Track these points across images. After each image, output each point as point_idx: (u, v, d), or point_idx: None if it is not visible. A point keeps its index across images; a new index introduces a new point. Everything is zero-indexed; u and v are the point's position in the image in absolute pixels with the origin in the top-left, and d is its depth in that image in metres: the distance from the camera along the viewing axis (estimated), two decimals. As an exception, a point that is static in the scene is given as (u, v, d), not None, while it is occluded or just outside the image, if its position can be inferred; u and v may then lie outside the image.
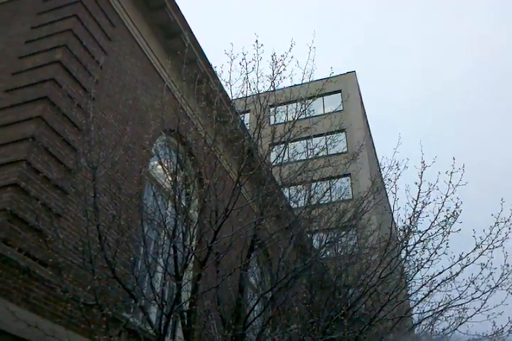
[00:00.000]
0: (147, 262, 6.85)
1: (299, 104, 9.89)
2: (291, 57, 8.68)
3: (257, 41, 8.50)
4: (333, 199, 12.69)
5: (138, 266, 7.52)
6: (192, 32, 11.26)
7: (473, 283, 8.28)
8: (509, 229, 8.34)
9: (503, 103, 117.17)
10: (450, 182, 8.45)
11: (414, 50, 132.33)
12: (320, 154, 11.08)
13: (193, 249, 7.18)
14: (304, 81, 9.53)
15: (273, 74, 8.65)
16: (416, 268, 8.80)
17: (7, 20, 8.99)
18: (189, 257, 7.06)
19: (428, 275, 8.60)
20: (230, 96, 8.94)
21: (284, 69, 8.63)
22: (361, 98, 35.27)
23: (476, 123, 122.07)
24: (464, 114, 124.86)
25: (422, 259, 8.60)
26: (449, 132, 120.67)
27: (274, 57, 8.66)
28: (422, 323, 9.65)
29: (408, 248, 8.84)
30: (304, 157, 11.33)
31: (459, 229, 8.44)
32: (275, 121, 9.97)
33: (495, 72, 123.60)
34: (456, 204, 8.35)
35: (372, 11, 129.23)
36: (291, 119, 9.68)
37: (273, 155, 9.85)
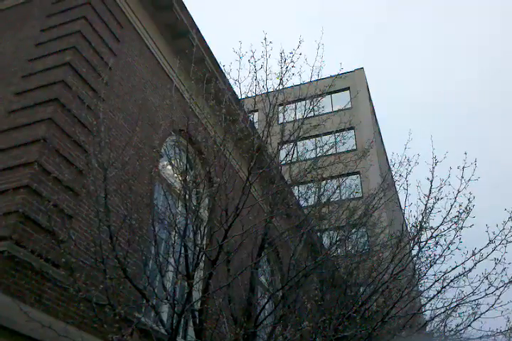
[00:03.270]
0: (158, 262, 6.89)
1: (307, 101, 9.88)
2: (300, 54, 8.67)
3: (265, 39, 8.52)
4: (343, 197, 12.66)
5: (149, 266, 7.55)
6: (199, 31, 11.28)
7: (487, 278, 8.21)
8: (522, 223, 8.27)
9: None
10: (462, 177, 8.40)
11: (425, 50, 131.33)
12: (329, 152, 11.04)
13: (204, 248, 7.20)
14: (312, 78, 9.52)
15: (281, 72, 8.66)
16: (428, 265, 8.75)
17: (17, 23, 9.07)
18: (200, 256, 7.09)
19: (441, 272, 8.54)
20: (239, 95, 8.96)
21: (292, 67, 8.63)
22: (370, 95, 35.11)
23: (487, 122, 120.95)
24: (475, 113, 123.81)
25: (434, 255, 8.56)
26: (460, 130, 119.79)
27: (282, 54, 8.66)
28: (435, 320, 9.57)
29: (420, 244, 8.81)
30: (313, 155, 11.30)
31: (472, 225, 8.38)
32: (284, 119, 9.96)
33: (507, 71, 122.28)
34: (469, 199, 8.30)
35: (383, 10, 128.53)
36: (300, 117, 9.68)
37: (282, 154, 9.84)
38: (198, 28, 11.20)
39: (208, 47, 11.61)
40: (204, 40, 11.51)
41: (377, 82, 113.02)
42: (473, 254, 8.21)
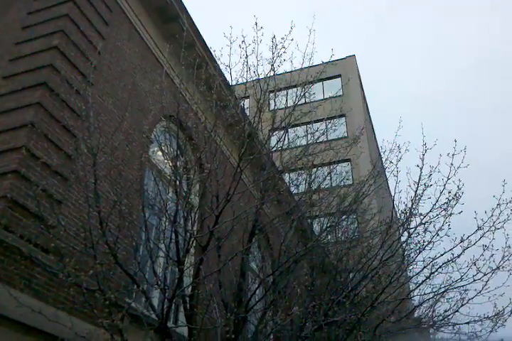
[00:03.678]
0: (149, 247, 6.88)
1: (299, 88, 9.83)
2: (291, 40, 8.61)
3: (256, 23, 8.41)
4: (334, 184, 12.69)
5: (140, 252, 7.55)
6: (190, 15, 11.14)
7: (475, 264, 8.31)
8: (511, 210, 8.35)
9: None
10: (452, 164, 8.46)
11: (418, 40, 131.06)
12: (320, 139, 11.03)
13: (195, 233, 7.20)
14: (304, 65, 9.47)
15: (273, 58, 8.59)
16: (417, 251, 8.83)
17: (3, 6, 8.90)
18: (191, 242, 7.09)
19: (429, 258, 8.63)
20: (230, 81, 8.88)
21: (284, 52, 8.57)
22: (361, 82, 35.06)
23: (478, 110, 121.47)
24: (466, 102, 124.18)
25: (423, 242, 8.63)
26: (450, 119, 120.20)
27: (274, 39, 8.59)
28: (423, 305, 9.70)
29: (409, 230, 8.87)
30: (304, 142, 11.29)
31: (461, 211, 8.46)
32: (275, 105, 9.92)
33: (500, 62, 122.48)
34: (458, 187, 8.36)
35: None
36: (291, 104, 9.64)
37: (273, 140, 9.81)
38: (188, 13, 11.06)
39: (199, 32, 11.48)
40: (194, 24, 11.37)
41: (369, 70, 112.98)
42: (462, 241, 8.29)
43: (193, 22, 11.28)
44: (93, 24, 8.62)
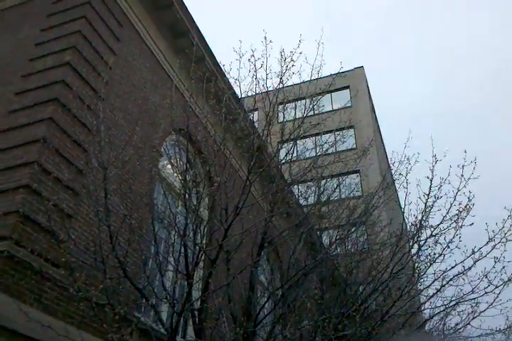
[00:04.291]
0: (158, 261, 6.90)
1: (307, 100, 9.89)
2: (300, 53, 8.69)
3: (265, 38, 8.52)
4: (343, 196, 12.67)
5: (149, 265, 7.58)
6: (199, 30, 11.28)
7: (486, 277, 8.22)
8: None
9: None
10: (462, 175, 8.41)
11: (426, 50, 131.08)
12: (329, 151, 11.05)
13: (204, 247, 7.21)
14: (312, 77, 9.53)
15: (282, 71, 8.66)
16: (428, 263, 8.77)
17: (16, 23, 9.08)
18: (200, 255, 7.10)
19: (440, 270, 8.56)
20: (239, 94, 8.96)
21: (292, 66, 8.64)
22: (370, 93, 35.08)
23: (488, 117, 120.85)
24: (475, 109, 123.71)
25: (434, 254, 8.57)
26: (460, 128, 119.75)
27: (282, 53, 8.66)
28: (434, 318, 9.61)
29: (420, 243, 8.82)
30: (313, 154, 11.31)
31: (472, 223, 8.38)
32: (284, 118, 9.97)
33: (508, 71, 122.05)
34: (469, 198, 8.31)
35: (383, 9, 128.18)
36: (300, 116, 9.68)
37: (282, 153, 9.85)
38: (197, 28, 11.20)
39: (208, 47, 11.61)
40: (204, 39, 11.51)
41: (377, 81, 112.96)
42: (473, 253, 8.22)
43: (202, 37, 11.41)
44: (104, 40, 8.76)
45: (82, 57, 8.04)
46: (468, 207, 8.34)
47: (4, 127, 7.30)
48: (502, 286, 8.27)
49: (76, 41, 8.07)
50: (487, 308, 8.49)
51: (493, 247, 8.25)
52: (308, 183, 10.84)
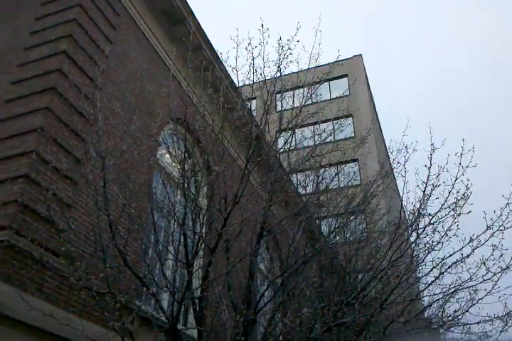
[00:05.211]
0: (158, 250, 6.91)
1: (305, 89, 9.84)
2: (298, 41, 8.63)
3: (262, 25, 8.43)
4: (342, 185, 12.68)
5: (149, 254, 7.58)
6: (196, 18, 11.18)
7: (484, 264, 8.26)
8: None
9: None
10: (460, 164, 8.42)
11: (425, 38, 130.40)
12: (327, 139, 11.02)
13: (203, 236, 7.23)
14: (310, 65, 9.47)
15: (279, 59, 8.61)
16: (426, 251, 8.81)
17: (11, 12, 8.98)
18: (199, 244, 7.12)
19: (439, 258, 8.58)
20: (237, 83, 8.91)
21: (290, 54, 8.58)
22: (368, 82, 34.96)
23: (486, 106, 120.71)
24: (474, 98, 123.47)
25: (432, 242, 8.60)
26: (460, 117, 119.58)
27: (280, 41, 8.60)
28: (433, 306, 9.65)
29: (418, 231, 8.85)
30: (311, 142, 11.29)
31: (470, 211, 8.40)
32: (282, 106, 9.92)
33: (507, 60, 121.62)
34: (467, 186, 8.32)
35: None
36: (298, 105, 9.64)
37: (280, 141, 9.83)
38: (194, 15, 11.10)
39: (205, 35, 11.52)
40: (201, 27, 11.41)
41: (376, 69, 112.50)
42: (471, 240, 8.25)
43: (199, 25, 11.31)
44: (100, 28, 8.68)
45: (78, 46, 7.96)
46: (466, 195, 8.36)
47: (1, 117, 7.25)
48: (500, 274, 8.32)
49: (72, 30, 7.99)
50: (485, 295, 8.54)
51: (491, 235, 8.27)
52: (307, 172, 10.82)
